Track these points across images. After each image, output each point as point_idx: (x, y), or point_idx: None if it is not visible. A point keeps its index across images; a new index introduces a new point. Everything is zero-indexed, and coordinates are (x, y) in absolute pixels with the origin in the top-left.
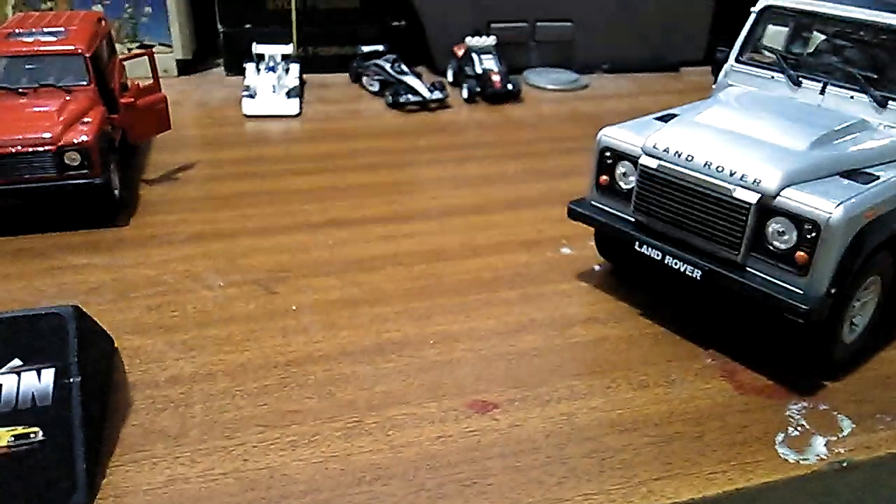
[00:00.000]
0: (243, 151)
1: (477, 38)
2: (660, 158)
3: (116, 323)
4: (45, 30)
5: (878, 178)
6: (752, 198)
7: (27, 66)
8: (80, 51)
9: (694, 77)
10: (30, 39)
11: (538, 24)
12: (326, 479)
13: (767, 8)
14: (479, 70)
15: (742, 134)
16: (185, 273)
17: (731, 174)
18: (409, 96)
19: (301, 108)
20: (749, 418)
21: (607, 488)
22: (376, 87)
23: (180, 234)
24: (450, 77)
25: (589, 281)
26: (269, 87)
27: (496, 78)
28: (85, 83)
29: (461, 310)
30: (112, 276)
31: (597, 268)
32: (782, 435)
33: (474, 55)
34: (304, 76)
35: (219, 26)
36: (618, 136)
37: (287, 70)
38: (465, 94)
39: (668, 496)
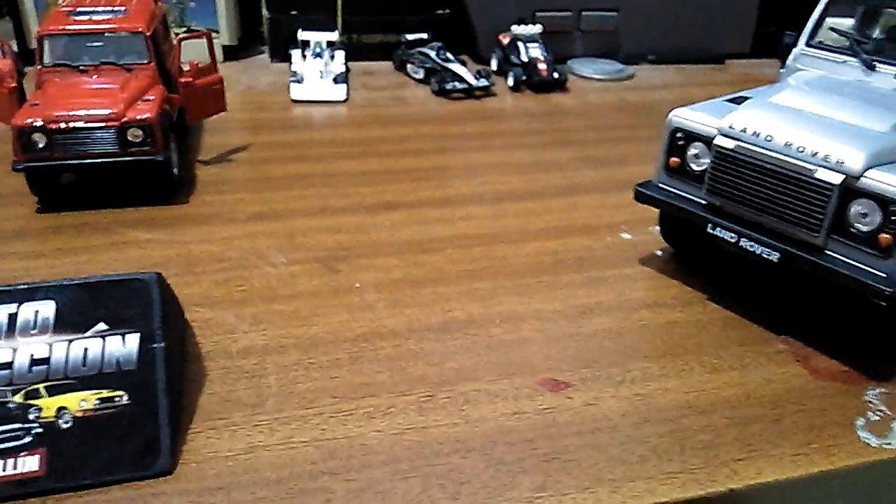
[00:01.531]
0: (293, 135)
1: (523, 26)
2: (737, 139)
3: (185, 296)
4: (105, 8)
5: None
6: (836, 179)
7: (88, 44)
8: (141, 29)
9: (740, 69)
10: (90, 18)
11: (583, 13)
12: (405, 450)
13: None
14: (524, 58)
15: (821, 115)
16: (248, 250)
17: (813, 155)
18: (456, 84)
19: (348, 93)
20: (827, 403)
21: (690, 468)
22: (421, 75)
23: (240, 212)
24: (494, 65)
25: (652, 266)
26: (317, 72)
27: (542, 66)
28: (145, 62)
29: (525, 292)
30: (176, 251)
31: (659, 253)
32: (862, 420)
33: (520, 43)
34: (349, 63)
35: (264, 12)
36: (690, 116)
37: (333, 56)
38: (510, 82)
39: (751, 476)
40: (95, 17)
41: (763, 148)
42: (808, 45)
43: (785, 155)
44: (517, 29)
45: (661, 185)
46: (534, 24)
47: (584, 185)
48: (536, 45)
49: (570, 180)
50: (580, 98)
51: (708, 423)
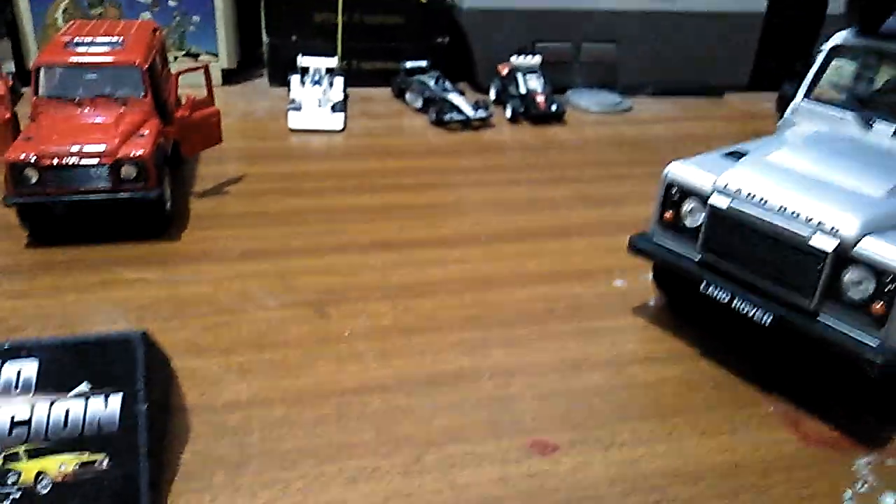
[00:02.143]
0: (289, 166)
1: (522, 57)
2: (731, 199)
3: (172, 342)
4: (102, 40)
5: None
6: (830, 245)
7: (84, 77)
8: (137, 63)
9: (738, 103)
10: (87, 49)
11: (583, 44)
12: None
13: (837, 47)
14: (523, 90)
15: (817, 178)
16: (238, 292)
17: (808, 220)
18: (454, 115)
19: (345, 122)
20: (815, 471)
21: None
22: (420, 104)
23: (232, 250)
24: (492, 95)
25: (645, 316)
26: (315, 100)
27: (540, 98)
28: (141, 95)
29: (515, 343)
30: (166, 292)
31: (652, 302)
32: (850, 492)
33: (519, 75)
34: (347, 90)
35: (264, 37)
36: (686, 172)
37: (332, 84)
38: (508, 113)
39: None
40: (92, 49)
41: (757, 210)
42: (806, 98)
43: (779, 219)
44: (516, 60)
45: (655, 238)
46: (533, 54)
47: (579, 226)
48: (535, 76)
49: (565, 220)
50: (578, 131)
51: (696, 494)
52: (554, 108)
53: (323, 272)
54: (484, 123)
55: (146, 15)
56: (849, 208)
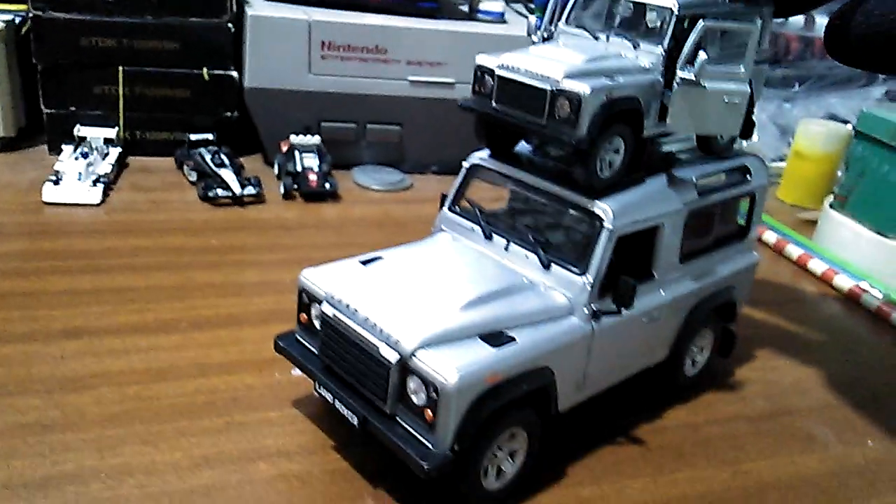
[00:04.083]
0: (24, 244)
1: (302, 136)
2: (335, 308)
3: None
4: None
5: (514, 340)
6: (393, 357)
7: None
8: None
9: None
10: None
11: (368, 125)
12: None
13: (473, 166)
14: (299, 167)
15: (405, 290)
16: None
17: (381, 332)
18: (220, 191)
19: (106, 196)
20: None
21: None
22: (194, 177)
23: None
24: (276, 170)
25: (302, 408)
26: (76, 173)
27: (313, 177)
28: None
29: (153, 440)
30: None
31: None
32: None
33: (297, 152)
34: (130, 158)
35: (42, 107)
36: (313, 278)
37: (105, 155)
38: (281, 190)
39: None
40: None
41: (348, 320)
42: (449, 209)
43: (361, 329)
44: (295, 139)
45: (297, 337)
46: (313, 134)
47: (288, 312)
48: (312, 154)
49: (277, 305)
50: (346, 210)
51: None
52: (327, 186)
53: None
54: (256, 199)
55: None
56: (414, 322)
